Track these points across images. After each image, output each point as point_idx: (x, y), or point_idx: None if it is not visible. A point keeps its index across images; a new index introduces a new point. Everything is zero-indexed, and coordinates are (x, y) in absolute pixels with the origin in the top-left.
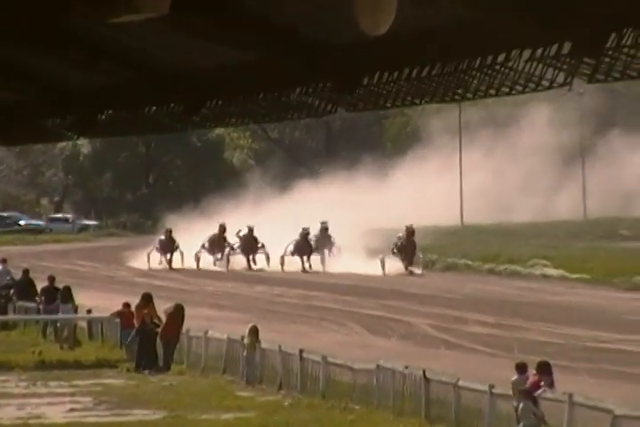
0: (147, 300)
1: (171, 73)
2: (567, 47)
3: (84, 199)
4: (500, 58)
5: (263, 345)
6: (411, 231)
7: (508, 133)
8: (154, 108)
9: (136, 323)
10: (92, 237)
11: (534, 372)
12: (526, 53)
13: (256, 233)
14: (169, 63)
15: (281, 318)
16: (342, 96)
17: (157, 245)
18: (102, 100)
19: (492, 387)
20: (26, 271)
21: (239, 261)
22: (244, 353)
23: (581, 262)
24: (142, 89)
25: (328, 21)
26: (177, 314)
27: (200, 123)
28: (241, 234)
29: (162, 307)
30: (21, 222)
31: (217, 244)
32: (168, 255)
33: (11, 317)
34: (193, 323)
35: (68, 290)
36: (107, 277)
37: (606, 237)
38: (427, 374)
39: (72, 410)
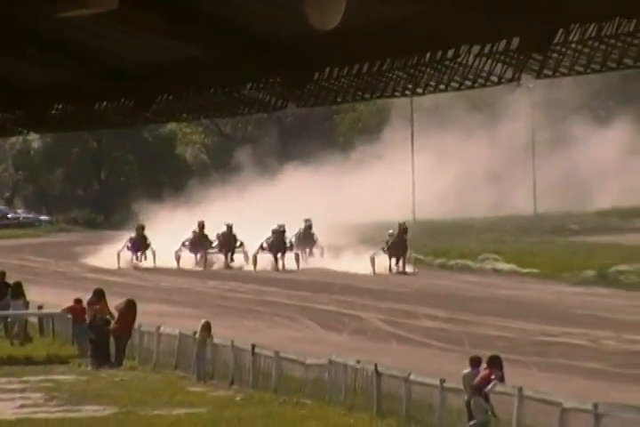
0: (98, 295)
1: (121, 68)
2: (515, 43)
3: (34, 195)
4: (450, 53)
5: (215, 340)
6: (403, 229)
7: (463, 127)
8: (104, 103)
9: (88, 319)
10: (44, 232)
11: (485, 366)
12: (475, 49)
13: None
14: (119, 58)
15: (233, 313)
16: (293, 91)
17: (128, 244)
18: (52, 95)
19: (443, 381)
20: None
21: (219, 259)
22: (196, 349)
23: (531, 257)
24: (93, 84)
25: (278, 17)
26: (129, 310)
27: (151, 118)
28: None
29: (114, 302)
30: None
31: (197, 242)
32: (139, 253)
33: None
34: (145, 318)
35: (18, 286)
36: (58, 272)
37: (556, 231)
38: (378, 368)
39: (22, 406)
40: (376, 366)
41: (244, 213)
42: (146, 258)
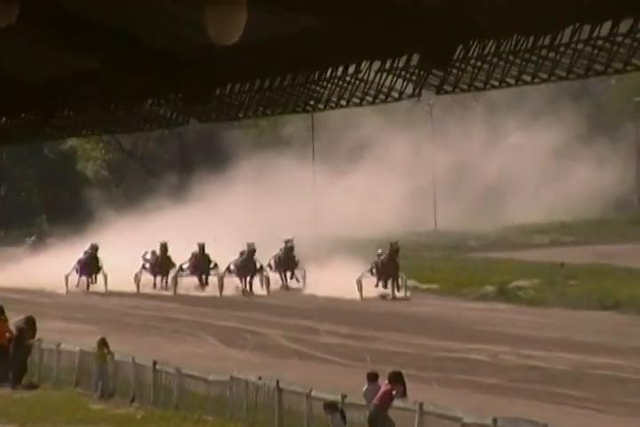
0: None
1: (21, 83)
2: (416, 59)
3: None
4: (351, 69)
5: (117, 357)
6: (395, 249)
7: (360, 146)
8: (4, 118)
9: None
10: None
11: (386, 382)
12: (376, 65)
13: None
14: (19, 73)
15: (135, 330)
16: (194, 107)
17: (77, 266)
18: None
19: (344, 397)
20: None
21: (187, 283)
22: (96, 366)
23: (431, 273)
24: None
25: (180, 32)
26: (28, 327)
27: (51, 133)
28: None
29: (14, 319)
30: None
31: (159, 264)
32: (90, 277)
33: None
34: (46, 335)
35: None
36: None
37: (455, 248)
38: (280, 384)
39: None
40: (277, 382)
41: (151, 233)
42: (96, 281)
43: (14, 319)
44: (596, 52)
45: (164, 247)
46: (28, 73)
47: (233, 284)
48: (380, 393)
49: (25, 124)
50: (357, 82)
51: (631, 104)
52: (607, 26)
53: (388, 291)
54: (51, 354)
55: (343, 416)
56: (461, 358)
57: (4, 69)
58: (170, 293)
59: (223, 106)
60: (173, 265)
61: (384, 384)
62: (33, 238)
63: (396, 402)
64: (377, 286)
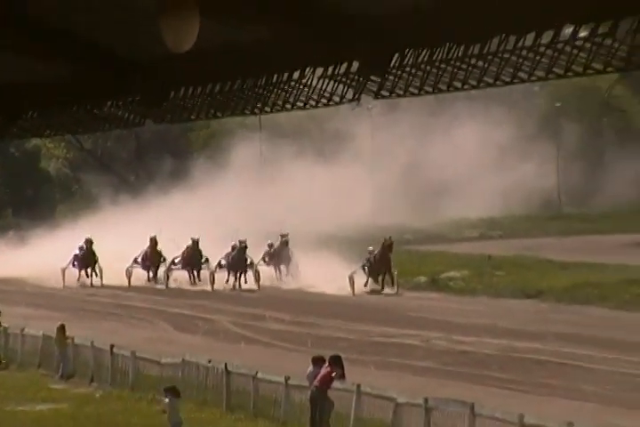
0: None
1: None
2: (356, 66)
3: None
4: (296, 75)
5: (77, 341)
6: (387, 245)
7: (312, 142)
8: None
9: None
10: None
11: (326, 365)
12: (319, 71)
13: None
14: None
15: (94, 316)
16: (150, 109)
17: (74, 260)
18: None
19: (287, 379)
20: None
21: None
22: (58, 349)
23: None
24: None
25: (136, 38)
26: None
27: (17, 134)
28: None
29: None
30: None
31: (150, 259)
32: (86, 270)
33: None
34: (10, 320)
35: None
36: None
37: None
38: (228, 367)
39: None
40: (225, 365)
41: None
42: (97, 275)
43: None
44: (520, 60)
45: (153, 242)
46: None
47: (224, 278)
48: (320, 375)
49: None
50: (301, 87)
51: (553, 108)
52: (531, 37)
53: (379, 287)
54: (15, 338)
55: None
56: (397, 343)
57: None
58: (162, 286)
59: (177, 108)
60: (164, 259)
61: (324, 367)
62: (11, 232)
63: (336, 384)
64: (365, 284)
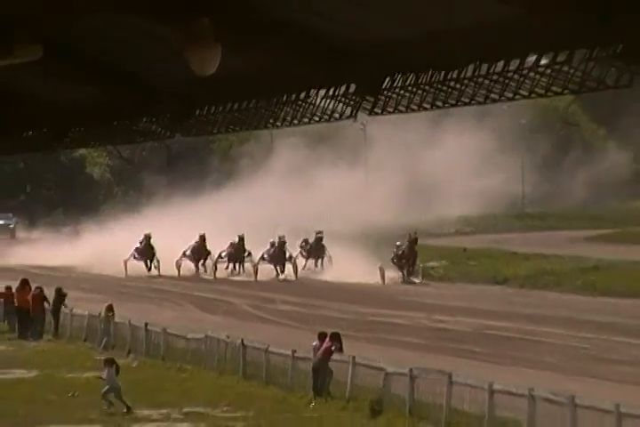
0: (24, 284)
1: (44, 104)
2: (353, 88)
3: None
4: (302, 95)
5: (117, 319)
6: (413, 239)
7: (309, 155)
8: (30, 132)
9: (16, 303)
10: None
11: (328, 340)
12: (322, 92)
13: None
14: (43, 97)
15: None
16: (179, 124)
17: (135, 253)
18: None
19: (294, 351)
20: None
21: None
22: (102, 325)
23: None
24: (21, 116)
25: (167, 65)
26: (39, 296)
27: (67, 144)
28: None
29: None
30: None
31: (198, 252)
32: (146, 262)
33: None
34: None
35: None
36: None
37: (383, 236)
38: (244, 342)
39: None
40: (242, 340)
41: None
42: (156, 267)
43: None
44: (491, 84)
45: (202, 238)
46: (49, 96)
47: (266, 270)
48: (322, 349)
49: (47, 137)
50: (307, 105)
51: (519, 125)
52: (501, 64)
53: (406, 277)
54: (65, 316)
55: (117, 370)
56: (386, 322)
57: (31, 94)
58: (209, 277)
59: (201, 123)
60: (209, 253)
61: (325, 342)
62: (69, 228)
63: (335, 356)
64: (402, 273)
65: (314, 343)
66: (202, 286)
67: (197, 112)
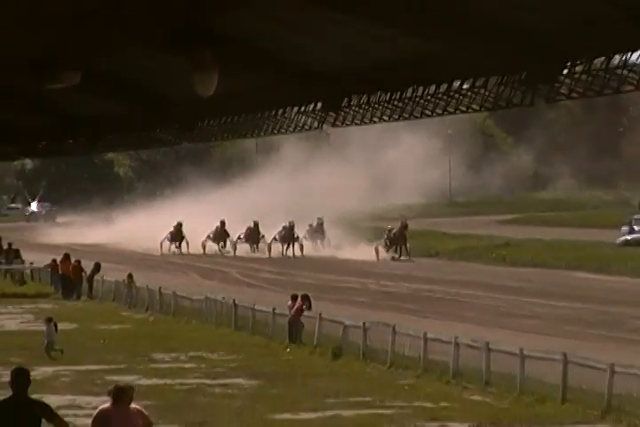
0: (66, 257)
1: (80, 118)
2: (319, 105)
3: (30, 195)
4: (280, 111)
5: (139, 284)
6: (404, 225)
7: (289, 157)
8: (71, 140)
9: (60, 271)
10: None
11: (299, 300)
12: (296, 109)
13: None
14: (78, 111)
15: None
16: (185, 133)
17: (168, 236)
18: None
19: (274, 309)
20: None
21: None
22: (125, 289)
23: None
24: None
25: (177, 86)
26: (78, 266)
27: (100, 149)
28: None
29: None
30: None
31: (219, 235)
32: (177, 243)
33: None
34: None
35: (17, 251)
36: (36, 244)
37: (348, 219)
38: (235, 301)
39: (22, 322)
40: (234, 300)
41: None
42: (187, 247)
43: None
44: (426, 103)
45: (222, 223)
46: (85, 111)
47: (277, 249)
48: (295, 307)
49: (83, 144)
50: (284, 119)
51: (447, 133)
52: (433, 87)
53: (396, 255)
54: (98, 282)
55: (56, 328)
56: (346, 286)
57: (71, 109)
58: (230, 254)
59: (202, 133)
60: (229, 235)
61: (298, 302)
62: (102, 214)
63: (306, 313)
64: (387, 251)
65: (289, 303)
66: (203, 259)
67: (199, 124)
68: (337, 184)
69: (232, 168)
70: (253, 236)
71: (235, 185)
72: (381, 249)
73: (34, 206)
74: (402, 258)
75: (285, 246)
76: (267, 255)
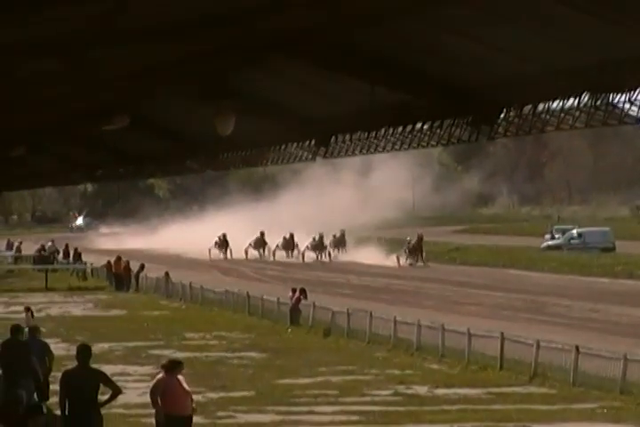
0: (118, 258)
1: (127, 153)
2: (312, 143)
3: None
4: (282, 147)
5: (174, 280)
6: (420, 237)
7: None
8: (121, 169)
9: (114, 270)
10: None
11: (298, 292)
12: (294, 144)
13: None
14: (128, 148)
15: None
16: (209, 163)
17: (216, 244)
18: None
19: (278, 298)
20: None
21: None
22: (164, 284)
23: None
24: (117, 161)
25: (202, 127)
26: (127, 266)
27: (143, 176)
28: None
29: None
30: None
31: (259, 243)
32: (223, 250)
33: (56, 266)
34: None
35: (79, 254)
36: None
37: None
38: (249, 293)
39: (84, 309)
40: (247, 292)
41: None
42: (231, 254)
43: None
44: (393, 139)
45: (262, 233)
46: (132, 146)
47: (309, 256)
48: (294, 298)
49: (131, 171)
50: (286, 152)
51: (413, 162)
52: (399, 129)
53: (414, 262)
54: (143, 278)
55: (32, 315)
56: (333, 281)
57: (121, 146)
58: (271, 260)
59: (222, 163)
60: (267, 243)
61: (296, 294)
62: (151, 226)
63: (303, 302)
64: (406, 259)
65: (289, 294)
66: (223, 262)
67: (220, 156)
68: (331, 202)
69: (261, 189)
70: (289, 244)
71: (264, 202)
72: (401, 258)
73: (79, 221)
74: (419, 264)
75: (317, 253)
76: (300, 261)
